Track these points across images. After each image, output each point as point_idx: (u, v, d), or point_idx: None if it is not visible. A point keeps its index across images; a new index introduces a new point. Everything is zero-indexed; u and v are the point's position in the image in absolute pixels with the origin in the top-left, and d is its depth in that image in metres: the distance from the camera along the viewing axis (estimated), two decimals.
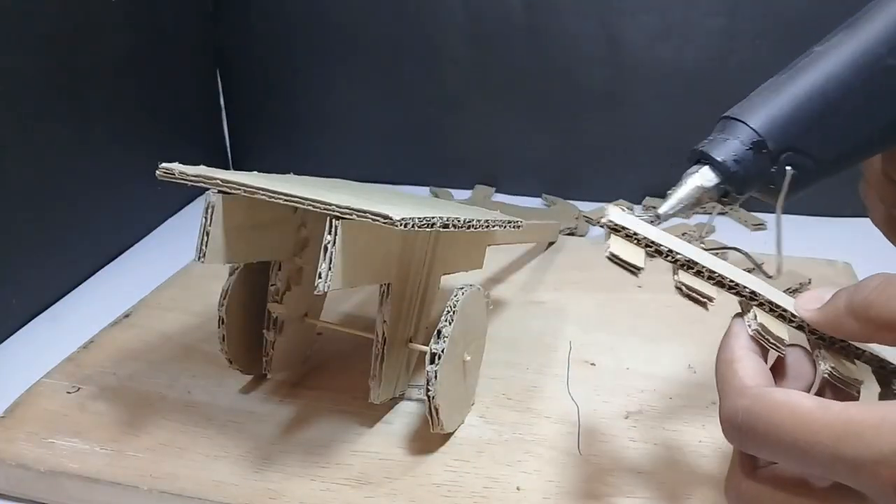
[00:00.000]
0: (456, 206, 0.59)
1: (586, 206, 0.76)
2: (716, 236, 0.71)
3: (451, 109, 0.81)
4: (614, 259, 0.31)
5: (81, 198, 0.65)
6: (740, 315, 0.32)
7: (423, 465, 0.41)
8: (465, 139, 0.82)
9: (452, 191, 0.82)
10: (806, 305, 0.31)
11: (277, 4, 0.81)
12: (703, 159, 0.35)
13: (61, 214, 0.63)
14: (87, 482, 0.41)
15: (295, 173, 0.51)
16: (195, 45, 0.81)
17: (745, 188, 0.35)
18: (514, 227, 0.45)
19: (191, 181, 0.38)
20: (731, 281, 0.31)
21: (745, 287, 0.31)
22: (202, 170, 0.38)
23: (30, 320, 0.60)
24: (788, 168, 0.35)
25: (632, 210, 0.34)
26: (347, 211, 0.34)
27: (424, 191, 0.82)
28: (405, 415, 0.44)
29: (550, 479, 0.39)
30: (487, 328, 0.45)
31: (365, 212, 0.33)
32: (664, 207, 0.35)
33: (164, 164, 0.38)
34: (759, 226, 0.72)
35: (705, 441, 0.42)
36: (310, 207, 0.35)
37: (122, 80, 0.69)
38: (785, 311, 0.32)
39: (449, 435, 0.43)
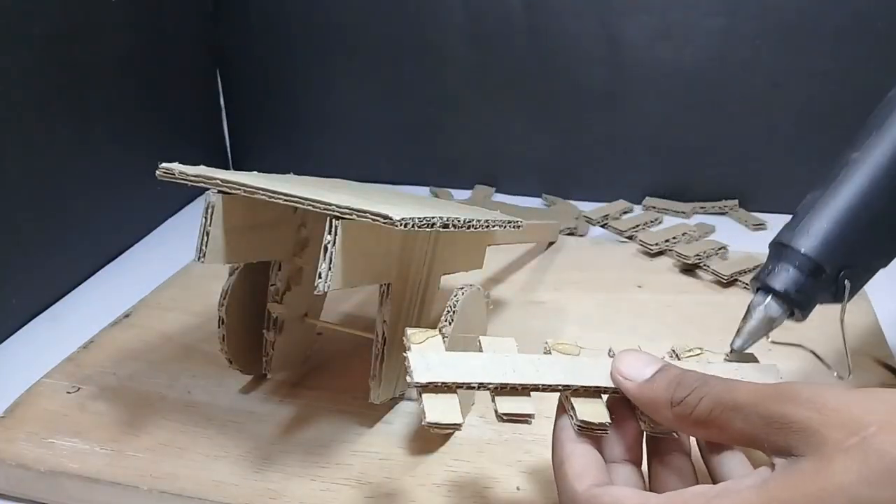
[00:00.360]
0: (456, 206, 0.59)
1: (586, 206, 0.76)
2: (715, 236, 0.71)
3: (451, 109, 0.81)
4: (433, 427, 0.30)
5: (81, 198, 0.65)
6: (563, 411, 0.32)
7: (423, 465, 0.41)
8: (465, 139, 0.82)
9: (452, 191, 0.82)
10: (626, 375, 0.32)
11: (277, 4, 0.81)
12: (765, 289, 0.37)
13: (61, 214, 0.63)
14: (87, 482, 0.41)
15: (295, 173, 0.51)
16: (195, 45, 0.81)
17: (809, 308, 0.37)
18: (514, 227, 0.45)
19: (191, 181, 0.38)
20: (544, 385, 0.32)
21: (557, 385, 0.32)
22: (202, 170, 0.38)
23: (30, 320, 0.60)
24: (847, 282, 0.37)
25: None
26: (347, 211, 0.34)
27: (424, 191, 0.82)
28: (405, 415, 0.44)
29: (550, 479, 0.39)
30: (487, 328, 0.45)
31: (365, 212, 0.33)
32: (737, 343, 0.37)
33: (164, 165, 0.38)
34: (760, 226, 0.72)
35: None
36: (310, 207, 0.35)
37: (122, 80, 0.69)
38: (602, 389, 0.32)
39: (449, 435, 0.43)
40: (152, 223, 0.76)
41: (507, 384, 0.31)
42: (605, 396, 0.33)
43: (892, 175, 0.37)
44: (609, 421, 0.32)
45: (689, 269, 0.61)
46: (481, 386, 0.31)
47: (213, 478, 0.40)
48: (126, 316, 0.56)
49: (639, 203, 0.77)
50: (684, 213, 0.74)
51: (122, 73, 0.69)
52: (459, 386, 0.31)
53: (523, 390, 0.32)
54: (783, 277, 0.37)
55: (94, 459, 0.42)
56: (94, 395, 0.47)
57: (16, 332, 0.58)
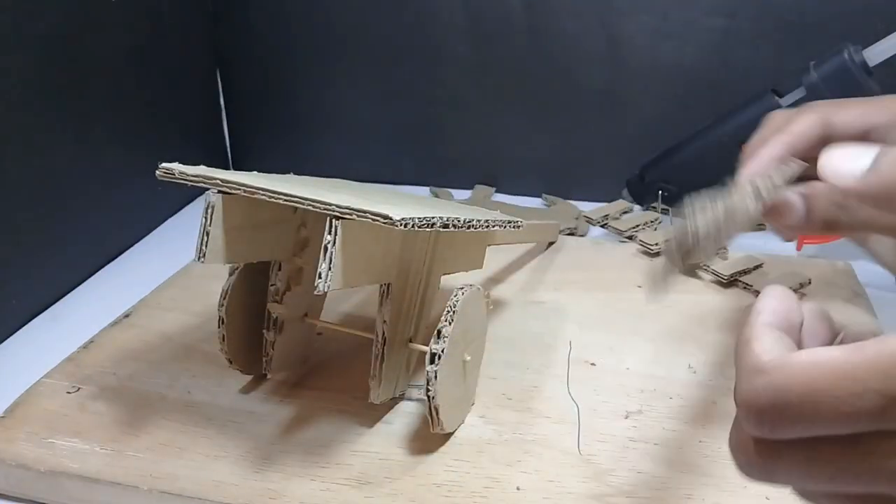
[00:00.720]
0: (456, 206, 0.60)
1: (586, 206, 0.76)
2: None
3: (451, 109, 0.81)
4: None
5: (81, 198, 0.65)
6: (772, 288, 0.27)
7: (423, 465, 0.41)
8: (465, 139, 0.82)
9: (452, 191, 0.82)
10: (843, 171, 0.26)
11: (277, 4, 0.81)
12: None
13: (61, 214, 0.63)
14: (87, 482, 0.41)
15: (295, 173, 0.51)
16: (195, 45, 0.81)
17: (640, 201, 0.72)
18: (514, 227, 0.45)
19: (191, 181, 0.38)
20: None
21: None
22: (202, 170, 0.38)
23: (30, 320, 0.60)
24: (660, 192, 0.68)
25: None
26: (347, 211, 0.34)
27: (424, 191, 0.82)
28: (405, 415, 0.44)
29: (550, 479, 0.39)
30: (487, 328, 0.45)
31: (365, 212, 0.33)
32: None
33: (163, 165, 0.38)
34: (759, 226, 0.72)
35: (705, 441, 0.42)
36: (310, 207, 0.35)
37: (123, 80, 0.69)
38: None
39: (449, 435, 0.43)
40: (152, 223, 0.76)
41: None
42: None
43: (705, 143, 0.65)
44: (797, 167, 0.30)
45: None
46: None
47: (213, 478, 0.40)
48: (126, 316, 0.56)
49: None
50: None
51: (122, 73, 0.69)
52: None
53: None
54: (632, 177, 0.71)
55: (94, 459, 0.42)
56: (94, 395, 0.47)
57: (16, 331, 0.58)
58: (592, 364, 0.49)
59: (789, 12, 0.68)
